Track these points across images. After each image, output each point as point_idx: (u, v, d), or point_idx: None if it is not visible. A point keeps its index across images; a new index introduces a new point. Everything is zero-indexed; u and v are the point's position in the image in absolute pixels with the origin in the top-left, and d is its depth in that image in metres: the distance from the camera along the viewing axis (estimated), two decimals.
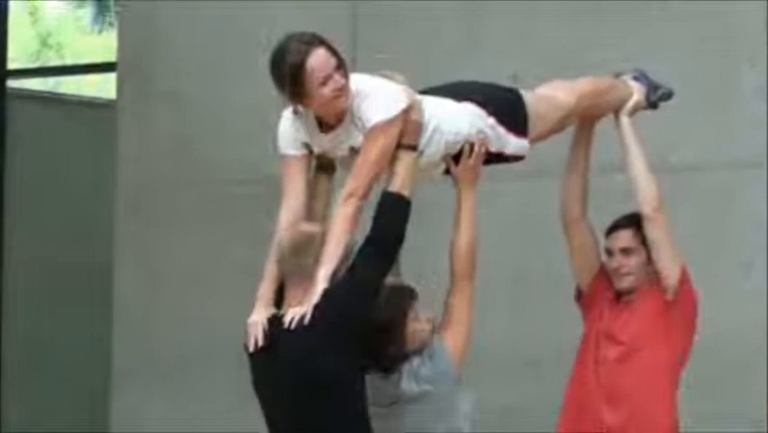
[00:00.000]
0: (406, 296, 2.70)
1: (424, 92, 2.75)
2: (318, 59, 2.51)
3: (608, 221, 3.24)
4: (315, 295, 2.49)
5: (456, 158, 2.77)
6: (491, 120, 2.74)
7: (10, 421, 6.61)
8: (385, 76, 2.75)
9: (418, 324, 2.71)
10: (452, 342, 2.75)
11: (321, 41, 2.57)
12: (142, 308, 5.83)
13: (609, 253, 3.11)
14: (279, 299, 2.64)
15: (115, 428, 5.87)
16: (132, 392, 5.89)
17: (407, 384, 2.69)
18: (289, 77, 2.53)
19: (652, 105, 3.19)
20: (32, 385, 6.68)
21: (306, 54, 2.52)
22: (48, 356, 6.70)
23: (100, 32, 9.37)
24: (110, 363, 6.02)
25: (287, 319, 2.49)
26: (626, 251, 3.06)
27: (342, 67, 2.55)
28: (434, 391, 2.71)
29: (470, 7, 5.28)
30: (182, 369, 5.59)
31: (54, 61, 9.46)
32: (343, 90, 2.54)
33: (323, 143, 2.64)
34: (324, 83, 2.48)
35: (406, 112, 2.57)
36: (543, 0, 5.03)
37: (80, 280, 6.73)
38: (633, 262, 3.06)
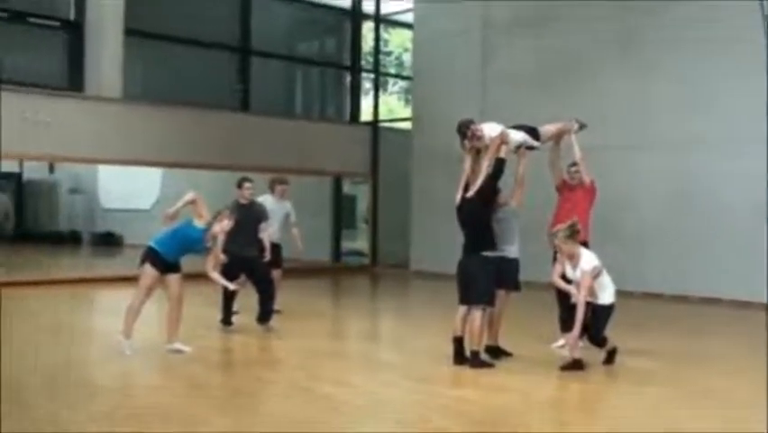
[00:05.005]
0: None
1: (509, 127, 6.23)
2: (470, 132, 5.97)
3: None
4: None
5: (518, 147, 6.23)
6: (527, 136, 6.32)
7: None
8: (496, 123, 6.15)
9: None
10: (515, 201, 6.27)
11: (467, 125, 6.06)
12: (425, 205, 13.06)
13: (571, 166, 6.92)
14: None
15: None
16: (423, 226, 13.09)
17: (502, 215, 6.23)
18: (460, 134, 6.08)
19: (580, 128, 6.88)
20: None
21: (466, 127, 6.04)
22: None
23: (406, 102, 15.58)
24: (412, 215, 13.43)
25: (467, 195, 6.03)
26: (574, 165, 6.92)
27: (474, 135, 5.98)
28: (512, 218, 6.31)
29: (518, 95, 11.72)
30: (434, 216, 12.11)
31: (391, 116, 15.12)
32: (477, 138, 5.98)
33: (475, 147, 6.09)
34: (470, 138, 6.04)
35: (501, 133, 6.10)
36: None
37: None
38: (576, 172, 6.91)
